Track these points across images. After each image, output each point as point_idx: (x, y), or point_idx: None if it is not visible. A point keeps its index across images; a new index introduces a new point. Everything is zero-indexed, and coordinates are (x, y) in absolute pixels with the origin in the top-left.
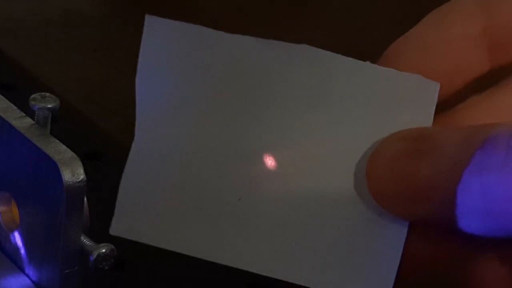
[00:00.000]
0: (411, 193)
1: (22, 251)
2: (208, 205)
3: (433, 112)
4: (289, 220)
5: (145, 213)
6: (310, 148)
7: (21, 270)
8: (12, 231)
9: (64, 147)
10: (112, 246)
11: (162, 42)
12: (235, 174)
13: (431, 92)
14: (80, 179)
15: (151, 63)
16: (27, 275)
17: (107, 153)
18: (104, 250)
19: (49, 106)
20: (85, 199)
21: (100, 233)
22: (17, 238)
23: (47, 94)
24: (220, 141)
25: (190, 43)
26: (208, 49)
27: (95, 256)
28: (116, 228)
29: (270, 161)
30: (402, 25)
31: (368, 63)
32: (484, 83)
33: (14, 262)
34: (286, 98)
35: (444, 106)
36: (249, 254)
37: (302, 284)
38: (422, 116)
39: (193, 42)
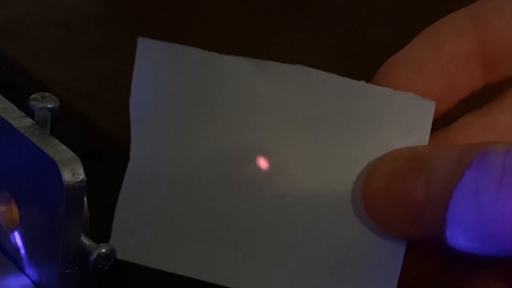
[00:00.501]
0: (406, 214)
1: (22, 251)
2: (204, 227)
3: (429, 131)
4: (287, 240)
5: (141, 235)
6: (305, 168)
7: (21, 270)
8: (12, 231)
9: (64, 147)
10: (112, 246)
11: (155, 63)
12: (229, 193)
13: (427, 110)
14: (80, 179)
15: (144, 84)
16: (27, 275)
17: (107, 153)
18: (104, 250)
19: (49, 106)
20: (85, 199)
21: (100, 233)
22: (17, 238)
23: (47, 94)
24: (213, 161)
25: (183, 64)
26: (201, 70)
27: (95, 256)
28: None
29: (265, 184)
30: (401, 26)
31: (362, 82)
32: (479, 99)
33: (14, 262)
34: (281, 118)
35: (439, 123)
36: (247, 274)
37: None
38: (418, 134)
39: (186, 64)
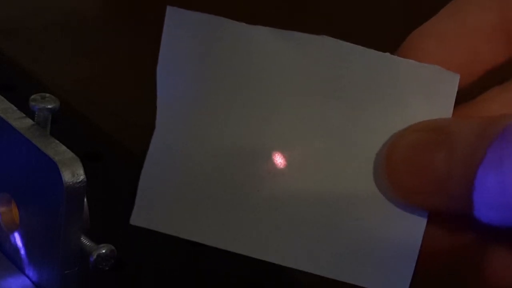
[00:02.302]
0: (429, 185)
1: (22, 251)
2: (228, 195)
3: (453, 104)
4: (308, 212)
5: (165, 204)
6: (328, 141)
7: (21, 270)
8: (12, 231)
9: (64, 147)
10: (112, 247)
11: (183, 33)
12: (254, 167)
13: (451, 83)
14: (80, 179)
15: (171, 54)
16: (27, 276)
17: (107, 154)
18: (104, 251)
19: (49, 106)
20: (85, 199)
21: (100, 234)
22: (17, 238)
23: (47, 94)
24: (239, 134)
25: (210, 34)
26: (228, 40)
27: (95, 256)
28: (137, 218)
29: (288, 155)
30: (403, 27)
31: (388, 54)
32: (503, 74)
33: (14, 262)
34: (305, 90)
35: (461, 96)
36: (269, 244)
37: (321, 274)
38: (441, 107)
39: (213, 33)
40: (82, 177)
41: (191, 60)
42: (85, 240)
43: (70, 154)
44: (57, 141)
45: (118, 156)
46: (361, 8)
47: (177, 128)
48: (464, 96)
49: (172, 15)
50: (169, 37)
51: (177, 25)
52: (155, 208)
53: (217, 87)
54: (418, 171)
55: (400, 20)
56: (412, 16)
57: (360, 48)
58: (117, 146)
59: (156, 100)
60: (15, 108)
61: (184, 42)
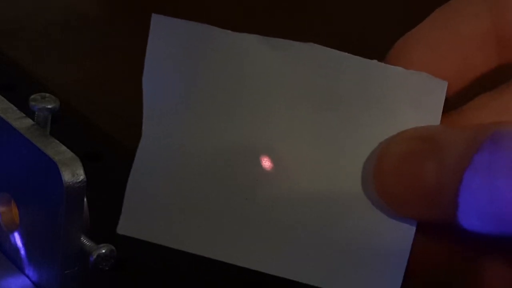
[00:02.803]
0: (418, 194)
1: (22, 251)
2: (216, 203)
3: (441, 111)
4: (296, 220)
5: (152, 212)
6: (316, 148)
7: (21, 270)
8: (12, 231)
9: (64, 147)
10: (112, 247)
11: (168, 40)
12: (242, 173)
13: (439, 90)
14: (80, 179)
15: (157, 61)
16: (27, 276)
17: (107, 153)
18: (104, 251)
19: (49, 106)
20: (85, 199)
21: (100, 234)
22: (17, 238)
23: (47, 94)
24: (227, 140)
25: (196, 42)
26: (214, 47)
27: (95, 256)
28: (124, 227)
29: (277, 162)
30: (403, 26)
31: (375, 61)
32: (493, 80)
33: (14, 262)
34: (293, 98)
35: (451, 104)
36: (258, 253)
37: (310, 283)
38: (429, 115)
39: (199, 41)
40: (82, 177)
41: (177, 68)
42: (85, 240)
43: (70, 154)
44: (57, 141)
45: (118, 156)
46: (361, 7)
47: (163, 136)
48: (453, 103)
49: (158, 22)
50: (154, 45)
51: (163, 33)
52: (142, 217)
53: (204, 95)
54: (407, 181)
55: (400, 20)
56: (412, 15)
57: (347, 55)
58: (117, 146)
59: (143, 106)
60: (15, 108)
61: (170, 50)
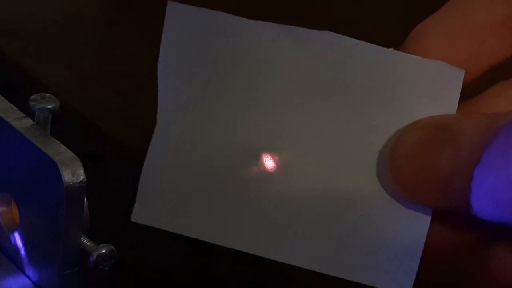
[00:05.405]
0: (434, 182)
1: (22, 251)
2: (229, 192)
3: (457, 100)
4: (310, 209)
5: (165, 201)
6: (331, 137)
7: (21, 270)
8: (12, 231)
9: (64, 147)
10: (112, 247)
11: (184, 28)
12: (256, 164)
13: (456, 79)
14: (80, 179)
15: (172, 49)
16: (27, 276)
17: (107, 154)
18: (104, 251)
19: (49, 106)
20: (85, 199)
21: (100, 234)
22: (17, 238)
23: (47, 94)
24: (241, 132)
25: (211, 30)
26: (230, 35)
27: (95, 256)
28: (138, 215)
29: (291, 152)
30: (405, 28)
31: (391, 49)
32: (509, 68)
33: (14, 262)
34: (309, 86)
35: (468, 91)
36: (271, 242)
37: (324, 272)
38: (446, 103)
39: (215, 29)
40: (82, 177)
41: (192, 56)
42: (85, 240)
43: (70, 154)
44: (57, 141)
45: (118, 156)
46: (362, 7)
47: (178, 125)
48: (468, 91)
49: (173, 10)
50: (170, 33)
51: (178, 21)
52: (155, 205)
53: (218, 84)
54: (423, 169)
55: (401, 18)
56: (413, 14)
57: (363, 43)
58: (117, 146)
59: (157, 99)
60: (15, 108)
61: (185, 37)
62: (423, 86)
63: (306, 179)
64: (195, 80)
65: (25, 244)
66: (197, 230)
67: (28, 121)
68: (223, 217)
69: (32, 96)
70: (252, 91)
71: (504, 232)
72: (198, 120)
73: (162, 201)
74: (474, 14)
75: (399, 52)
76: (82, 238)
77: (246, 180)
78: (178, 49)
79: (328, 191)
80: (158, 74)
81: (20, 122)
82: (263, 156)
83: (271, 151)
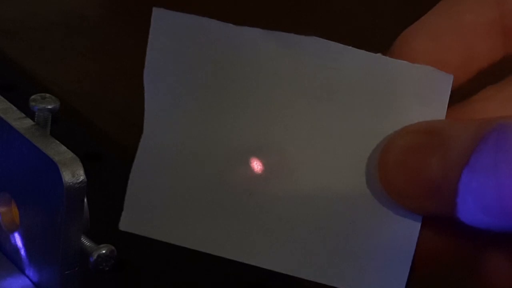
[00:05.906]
0: (423, 189)
1: (22, 252)
2: (218, 199)
3: (446, 105)
4: (300, 216)
5: (154, 209)
6: (320, 143)
7: (21, 271)
8: (12, 232)
9: (64, 148)
10: (112, 247)
11: (170, 34)
12: (245, 170)
13: (445, 84)
14: (80, 180)
15: (158, 56)
16: (27, 276)
17: (107, 154)
18: (104, 251)
19: (49, 107)
20: (85, 199)
21: (100, 234)
22: (17, 239)
23: (47, 95)
24: (229, 136)
25: (197, 35)
26: (215, 41)
27: (95, 257)
28: (126, 224)
29: (280, 157)
30: (404, 27)
31: (379, 55)
32: (499, 72)
33: (14, 263)
34: (296, 91)
35: (457, 95)
36: (260, 250)
37: (314, 280)
38: (435, 108)
39: (201, 34)
40: (82, 177)
41: (178, 62)
42: (85, 240)
43: (70, 154)
44: (57, 141)
45: (118, 156)
46: (362, 7)
47: (165, 132)
48: (458, 94)
49: (159, 16)
50: (156, 39)
51: (164, 27)
52: (143, 213)
53: (205, 90)
54: (412, 175)
55: (401, 18)
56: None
57: (350, 49)
58: (117, 146)
59: (144, 102)
60: (15, 108)
61: (171, 44)
62: (411, 91)
63: (295, 185)
64: (182, 87)
65: (25, 244)
66: (186, 238)
67: (28, 122)
68: (212, 225)
69: (32, 97)
70: (239, 96)
71: (496, 238)
72: (185, 127)
73: (150, 210)
74: (463, 17)
75: (387, 57)
76: (82, 238)
77: (235, 186)
78: (165, 55)
79: (318, 197)
80: (145, 81)
81: (20, 122)
82: (252, 162)
83: (260, 157)
